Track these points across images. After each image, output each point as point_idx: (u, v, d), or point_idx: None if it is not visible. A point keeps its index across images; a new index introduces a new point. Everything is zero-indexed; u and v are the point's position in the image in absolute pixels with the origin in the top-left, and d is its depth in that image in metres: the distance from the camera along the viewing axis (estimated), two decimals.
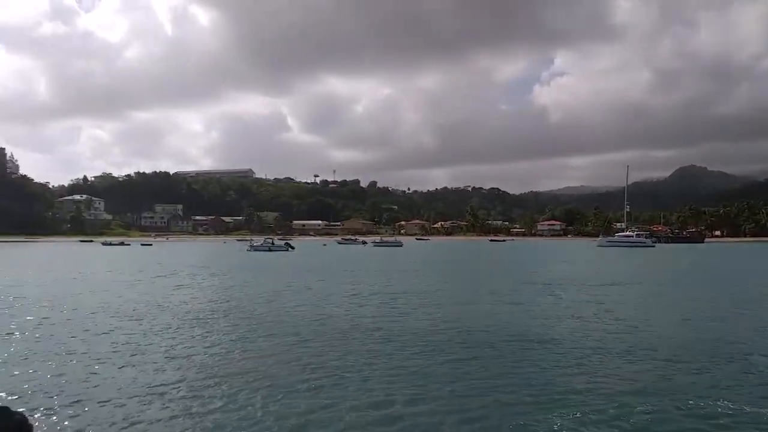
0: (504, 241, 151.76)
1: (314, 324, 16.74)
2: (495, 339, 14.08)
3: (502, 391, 9.55)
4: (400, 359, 12.03)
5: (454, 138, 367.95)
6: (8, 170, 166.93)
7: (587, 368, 11.15)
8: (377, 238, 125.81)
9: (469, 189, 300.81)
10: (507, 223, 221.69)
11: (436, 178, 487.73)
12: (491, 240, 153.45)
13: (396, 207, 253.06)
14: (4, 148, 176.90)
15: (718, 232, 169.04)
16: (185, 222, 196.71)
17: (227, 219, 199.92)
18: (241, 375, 10.87)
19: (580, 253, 75.45)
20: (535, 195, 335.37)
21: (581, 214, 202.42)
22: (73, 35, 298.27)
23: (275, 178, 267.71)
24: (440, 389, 9.71)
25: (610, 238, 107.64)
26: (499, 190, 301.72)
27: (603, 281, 31.63)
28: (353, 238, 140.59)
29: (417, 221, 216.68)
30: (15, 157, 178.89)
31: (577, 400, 9.01)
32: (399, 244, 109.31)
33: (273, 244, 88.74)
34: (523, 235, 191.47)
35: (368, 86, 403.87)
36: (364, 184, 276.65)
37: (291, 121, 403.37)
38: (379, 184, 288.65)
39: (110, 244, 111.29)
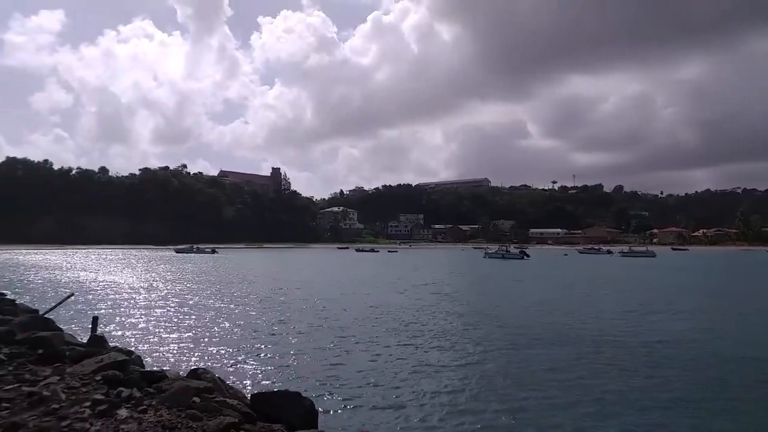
0: None
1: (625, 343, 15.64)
2: None
3: None
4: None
5: (720, 133, 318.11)
6: (283, 187, 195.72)
7: None
8: (624, 248, 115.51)
9: (739, 191, 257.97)
10: None
11: (696, 180, 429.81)
12: None
13: (646, 213, 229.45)
14: (279, 168, 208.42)
15: None
16: (426, 230, 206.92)
17: (464, 227, 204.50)
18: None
19: None
20: None
21: None
22: (334, 64, 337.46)
23: (511, 186, 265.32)
24: None
25: None
26: None
27: None
28: (596, 247, 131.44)
29: (672, 229, 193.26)
30: (288, 176, 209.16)
31: None
32: (651, 255, 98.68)
33: (507, 251, 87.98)
34: None
35: (616, 83, 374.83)
36: (608, 188, 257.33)
37: (530, 126, 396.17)
38: (626, 188, 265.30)
39: (362, 251, 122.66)
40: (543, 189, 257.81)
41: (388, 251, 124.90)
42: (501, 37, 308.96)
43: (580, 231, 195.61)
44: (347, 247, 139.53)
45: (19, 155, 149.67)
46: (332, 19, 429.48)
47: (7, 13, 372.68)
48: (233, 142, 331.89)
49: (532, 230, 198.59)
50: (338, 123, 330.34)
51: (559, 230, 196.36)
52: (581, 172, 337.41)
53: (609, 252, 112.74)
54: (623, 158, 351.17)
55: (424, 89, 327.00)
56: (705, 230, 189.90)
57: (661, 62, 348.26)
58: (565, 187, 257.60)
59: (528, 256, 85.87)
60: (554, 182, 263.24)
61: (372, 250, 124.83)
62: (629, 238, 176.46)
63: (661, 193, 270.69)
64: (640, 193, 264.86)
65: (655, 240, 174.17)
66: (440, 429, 8.64)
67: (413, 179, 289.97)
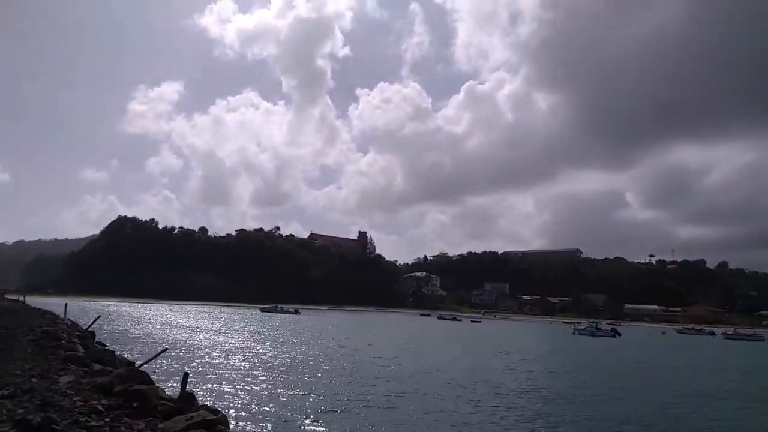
0: None
1: None
2: None
3: None
4: None
5: None
6: (368, 251, 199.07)
7: None
8: (729, 329, 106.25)
9: None
10: None
11: None
12: None
13: (755, 293, 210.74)
14: (366, 232, 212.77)
15: None
16: (511, 300, 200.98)
17: (553, 299, 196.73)
18: None
19: None
20: None
21: None
22: (427, 131, 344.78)
23: (604, 258, 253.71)
24: None
25: None
26: None
27: None
28: (698, 327, 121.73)
29: None
30: (373, 240, 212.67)
31: None
32: (759, 338, 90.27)
33: (597, 328, 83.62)
34: None
35: (726, 152, 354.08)
36: (711, 264, 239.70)
37: (630, 196, 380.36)
38: (734, 266, 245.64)
39: (444, 318, 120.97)
40: (640, 263, 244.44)
41: (471, 320, 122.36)
42: (602, 104, 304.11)
43: (679, 309, 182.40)
44: (429, 314, 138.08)
45: (130, 215, 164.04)
46: (428, 90, 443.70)
47: (134, 84, 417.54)
48: (327, 206, 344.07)
49: (627, 305, 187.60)
50: (427, 188, 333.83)
51: (656, 307, 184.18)
52: (681, 246, 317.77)
53: (711, 333, 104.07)
54: (730, 233, 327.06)
55: (517, 156, 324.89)
56: None
57: None
58: (664, 261, 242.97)
59: (619, 334, 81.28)
60: (651, 256, 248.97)
61: (454, 319, 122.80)
62: (735, 319, 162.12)
63: None
64: (747, 270, 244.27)
65: (765, 323, 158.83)
66: None
67: (501, 247, 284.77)
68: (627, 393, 23.88)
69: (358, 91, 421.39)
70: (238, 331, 50.07)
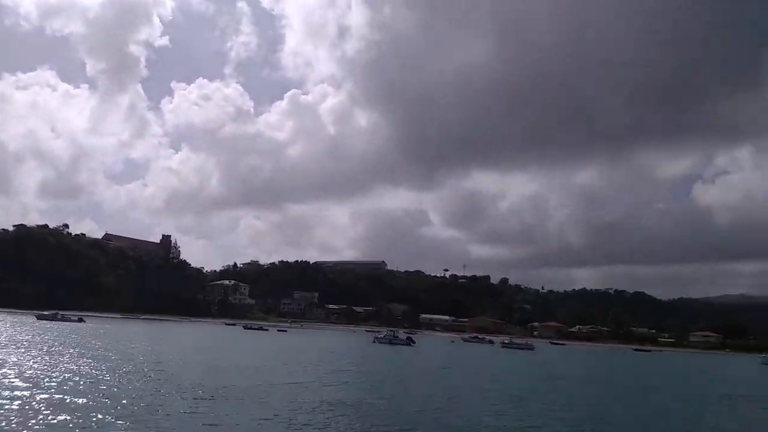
0: (649, 351, 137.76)
1: None
2: None
3: None
4: None
5: (602, 237, 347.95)
6: (172, 256, 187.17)
7: None
8: (506, 338, 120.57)
9: (611, 292, 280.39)
10: (653, 331, 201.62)
11: (579, 279, 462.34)
12: (636, 350, 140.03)
13: (528, 307, 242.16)
14: (170, 236, 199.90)
15: None
16: (320, 310, 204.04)
17: (358, 309, 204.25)
18: None
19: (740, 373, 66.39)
20: (687, 302, 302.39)
21: (743, 327, 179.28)
22: (247, 135, 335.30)
23: (406, 271, 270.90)
24: None
25: None
26: (646, 294, 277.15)
27: None
28: (481, 336, 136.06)
29: (552, 323, 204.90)
30: (178, 244, 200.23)
31: None
32: (530, 347, 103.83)
33: (395, 336, 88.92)
34: (673, 345, 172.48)
35: (516, 182, 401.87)
36: (495, 280, 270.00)
37: (433, 215, 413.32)
38: (513, 282, 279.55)
39: (250, 328, 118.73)
40: (435, 276, 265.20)
41: (278, 330, 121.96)
42: (415, 128, 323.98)
43: (467, 319, 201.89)
44: (235, 324, 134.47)
45: None
46: (251, 92, 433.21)
47: None
48: (129, 204, 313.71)
49: (423, 315, 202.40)
50: (244, 193, 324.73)
51: (448, 317, 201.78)
52: (472, 262, 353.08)
53: (491, 342, 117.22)
54: (512, 253, 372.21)
55: (337, 169, 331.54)
56: (581, 326, 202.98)
57: (560, 166, 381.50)
58: (456, 275, 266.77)
59: (414, 342, 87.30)
60: (446, 270, 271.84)
61: (260, 328, 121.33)
62: (512, 329, 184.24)
63: (543, 288, 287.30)
64: (523, 287, 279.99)
65: (535, 333, 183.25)
66: None
67: (315, 256, 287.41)
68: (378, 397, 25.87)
69: (174, 84, 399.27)
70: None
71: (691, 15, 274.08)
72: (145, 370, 29.91)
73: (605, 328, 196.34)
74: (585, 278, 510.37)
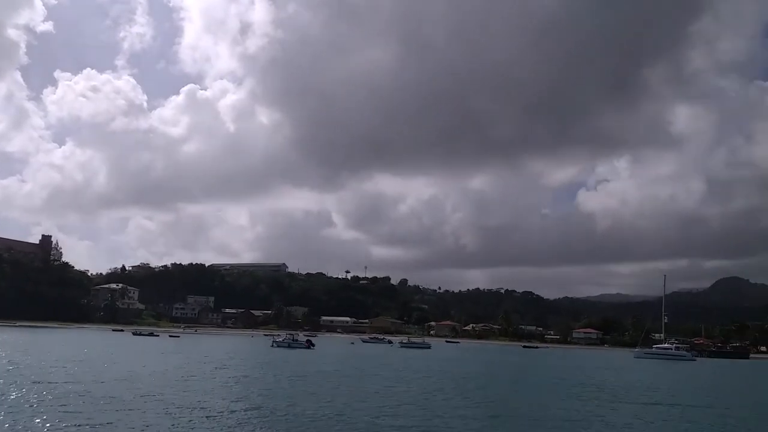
0: (537, 347, 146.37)
1: None
2: None
3: None
4: None
5: (494, 240, 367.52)
6: (53, 258, 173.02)
7: None
8: (404, 338, 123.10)
9: (502, 291, 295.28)
10: (541, 329, 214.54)
11: (473, 279, 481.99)
12: (524, 346, 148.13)
13: (426, 306, 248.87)
14: (51, 236, 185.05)
15: (763, 348, 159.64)
16: (215, 314, 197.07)
17: (257, 313, 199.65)
18: None
19: (616, 366, 72.26)
20: (571, 301, 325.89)
21: (619, 323, 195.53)
22: (139, 130, 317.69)
23: (307, 273, 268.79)
24: None
25: (647, 350, 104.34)
26: (533, 294, 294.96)
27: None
28: (380, 336, 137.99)
29: (447, 322, 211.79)
30: (60, 245, 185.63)
31: None
32: (427, 346, 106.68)
33: (294, 340, 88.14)
34: (558, 342, 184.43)
35: (416, 186, 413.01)
36: (394, 281, 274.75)
37: (336, 216, 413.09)
38: (412, 282, 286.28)
39: (140, 334, 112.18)
40: (337, 277, 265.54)
41: (170, 335, 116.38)
42: (318, 129, 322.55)
43: (367, 320, 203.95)
44: (123, 330, 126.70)
45: None
46: (144, 86, 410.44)
47: None
48: (3, 201, 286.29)
49: (324, 318, 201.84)
50: (135, 191, 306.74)
51: (348, 319, 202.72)
52: (373, 264, 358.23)
53: (390, 342, 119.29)
54: (411, 254, 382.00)
55: (236, 168, 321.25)
56: (474, 325, 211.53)
57: (457, 172, 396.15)
58: (357, 277, 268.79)
59: (313, 345, 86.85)
60: (347, 272, 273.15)
61: (151, 334, 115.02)
62: (410, 329, 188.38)
63: (439, 288, 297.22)
64: (421, 287, 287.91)
65: (432, 332, 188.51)
66: None
67: (210, 258, 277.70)
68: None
69: (58, 74, 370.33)
70: None
71: (576, 36, 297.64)
72: None
73: (497, 326, 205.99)
74: (478, 279, 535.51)
